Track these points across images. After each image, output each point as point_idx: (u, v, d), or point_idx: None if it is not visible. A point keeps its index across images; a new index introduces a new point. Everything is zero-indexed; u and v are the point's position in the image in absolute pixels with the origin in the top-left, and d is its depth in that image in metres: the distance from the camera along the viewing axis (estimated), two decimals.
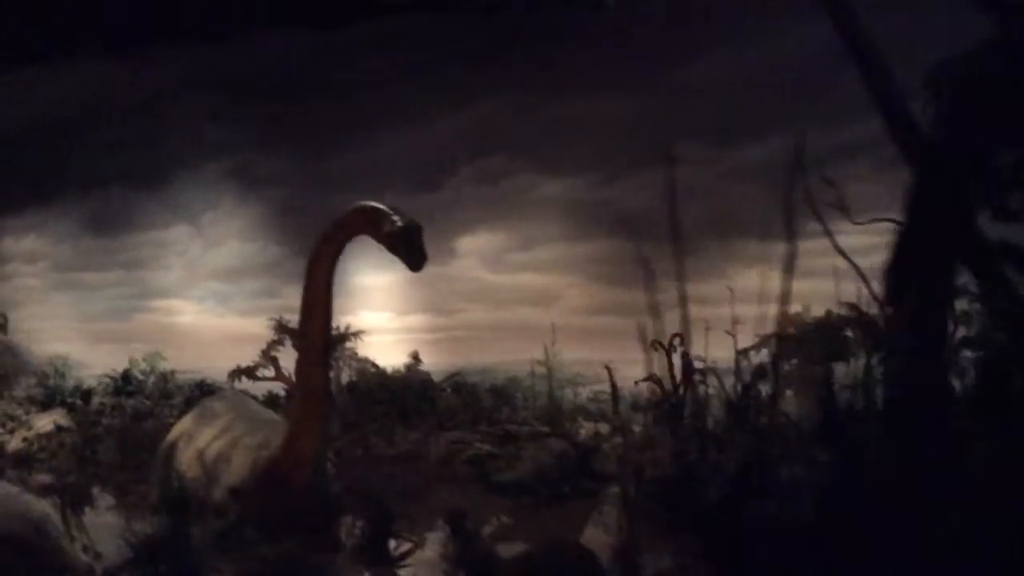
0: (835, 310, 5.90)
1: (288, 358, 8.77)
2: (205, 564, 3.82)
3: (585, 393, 8.66)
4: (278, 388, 8.87)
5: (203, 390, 10.10)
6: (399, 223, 4.32)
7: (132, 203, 12.99)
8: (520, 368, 9.21)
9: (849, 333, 5.33)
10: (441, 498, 6.18)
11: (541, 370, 8.99)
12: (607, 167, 8.82)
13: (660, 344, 6.70)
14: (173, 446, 5.69)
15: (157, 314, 12.90)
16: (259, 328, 11.97)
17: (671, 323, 8.46)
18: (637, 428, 7.02)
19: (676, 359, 6.73)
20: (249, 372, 8.25)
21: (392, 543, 4.52)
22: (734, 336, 6.33)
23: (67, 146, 13.28)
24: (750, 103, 8.17)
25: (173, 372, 11.01)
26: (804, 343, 5.27)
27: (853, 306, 5.45)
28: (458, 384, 8.26)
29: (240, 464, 5.02)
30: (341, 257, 4.78)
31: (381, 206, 4.47)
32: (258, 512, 4.85)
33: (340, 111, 10.74)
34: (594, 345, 8.60)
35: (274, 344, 8.23)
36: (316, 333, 4.73)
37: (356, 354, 8.01)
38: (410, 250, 4.29)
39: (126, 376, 10.58)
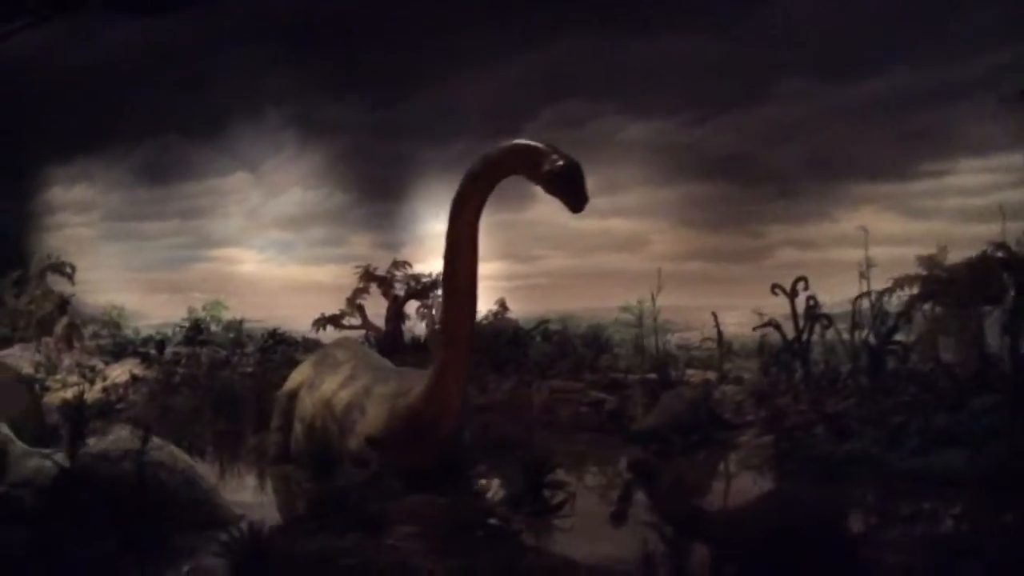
0: (972, 252, 5.64)
1: (374, 306, 8.65)
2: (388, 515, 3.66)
3: (674, 340, 8.48)
4: None
5: (276, 339, 10.00)
6: (559, 161, 4.06)
7: (188, 151, 12.77)
8: (603, 315, 9.04)
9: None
10: (549, 447, 6.02)
11: (625, 316, 8.82)
12: (696, 108, 8.51)
13: (782, 288, 6.50)
14: (293, 395, 5.55)
15: (216, 263, 12.77)
16: (323, 276, 11.89)
17: (767, 269, 8.30)
18: (747, 376, 6.85)
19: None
20: (334, 320, 8.10)
21: (547, 493, 4.37)
22: (867, 279, 6.11)
23: (118, 96, 13.07)
24: (853, 37, 7.81)
25: (242, 321, 10.90)
26: (953, 285, 5.01)
27: (1004, 246, 5.20)
28: (547, 332, 8.06)
29: (376, 413, 4.86)
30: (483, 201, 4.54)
31: (538, 143, 4.22)
32: (397, 462, 4.69)
33: (408, 56, 10.44)
34: (684, 292, 8.40)
35: (360, 292, 8.05)
36: (463, 278, 4.52)
37: None
38: (572, 190, 4.05)
39: (196, 325, 10.45)
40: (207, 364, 9.48)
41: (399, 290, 7.72)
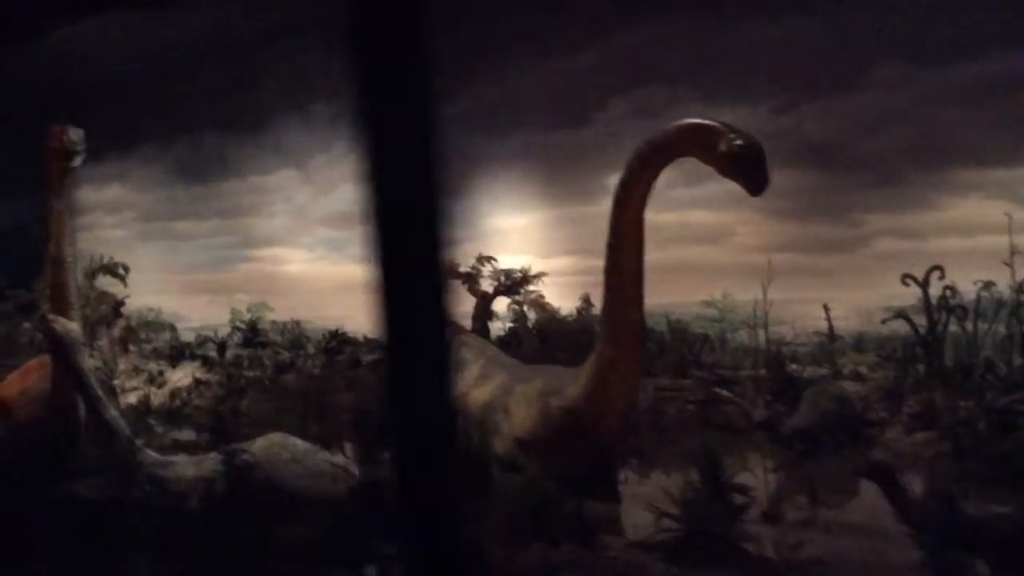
0: None
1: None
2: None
3: (763, 335, 8.20)
4: None
5: (339, 339, 9.72)
6: (738, 141, 3.79)
7: (229, 149, 12.44)
8: (685, 310, 8.77)
9: None
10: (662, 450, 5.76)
11: (709, 311, 8.56)
12: (785, 94, 8.22)
13: (913, 278, 6.24)
14: None
15: (261, 263, 12.44)
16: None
17: (864, 259, 8.04)
18: (863, 371, 6.58)
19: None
20: None
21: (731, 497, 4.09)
22: (1011, 267, 5.85)
23: (152, 93, 12.73)
24: (954, 18, 7.53)
25: (298, 323, 10.61)
26: None
27: None
28: None
29: (525, 414, 4.58)
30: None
31: (712, 122, 3.95)
32: (550, 465, 4.41)
33: (465, 45, 10.12)
34: (774, 285, 8.12)
35: None
36: (631, 266, 4.26)
37: (542, 297, 7.52)
38: (753, 171, 3.78)
39: (253, 327, 10.13)
40: (271, 366, 9.19)
41: (487, 286, 7.42)
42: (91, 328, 10.47)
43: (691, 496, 3.97)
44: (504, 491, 4.20)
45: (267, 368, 9.08)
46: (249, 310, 11.85)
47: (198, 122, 12.61)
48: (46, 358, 6.86)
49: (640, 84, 8.98)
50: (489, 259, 7.45)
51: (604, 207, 9.34)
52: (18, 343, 12.59)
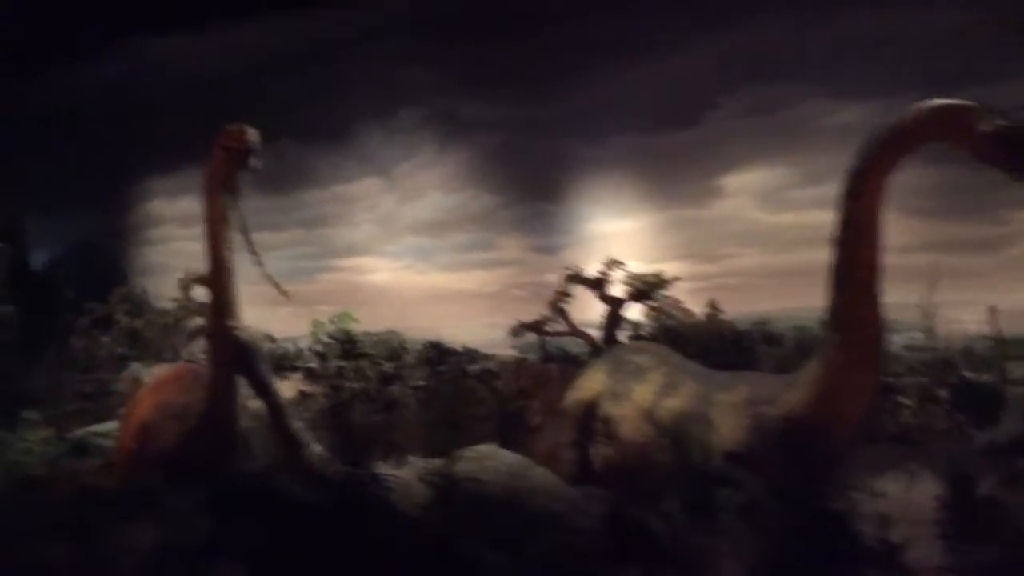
0: None
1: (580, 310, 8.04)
2: None
3: (900, 340, 7.80)
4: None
5: (439, 350, 9.45)
6: (1001, 121, 3.44)
7: (308, 158, 12.27)
8: (800, 316, 8.38)
9: None
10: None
11: None
12: (922, 88, 7.83)
13: None
14: (591, 406, 4.95)
15: (343, 273, 12.24)
16: (469, 283, 11.30)
17: (1012, 259, 7.64)
18: None
19: None
20: (536, 327, 7.50)
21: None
22: None
23: (227, 104, 12.59)
24: None
25: (394, 332, 10.35)
26: None
27: None
28: (768, 334, 7.43)
29: (733, 425, 4.25)
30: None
31: (966, 102, 3.61)
32: (765, 479, 4.06)
33: (566, 44, 9.87)
34: (908, 287, 7.72)
35: (562, 295, 7.45)
36: (867, 263, 3.92)
37: (678, 302, 7.20)
38: (1019, 154, 3.42)
39: (350, 338, 9.87)
40: (375, 378, 8.92)
41: (617, 292, 7.11)
42: (188, 339, 10.33)
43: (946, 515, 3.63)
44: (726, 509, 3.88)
45: (371, 380, 8.79)
46: (331, 321, 11.60)
47: (277, 132, 12.44)
48: (181, 368, 6.63)
49: (757, 80, 8.67)
50: (617, 263, 7.13)
51: (715, 210, 9.16)
52: (96, 357, 12.48)
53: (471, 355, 9.43)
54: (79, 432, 8.31)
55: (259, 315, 12.63)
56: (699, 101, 8.87)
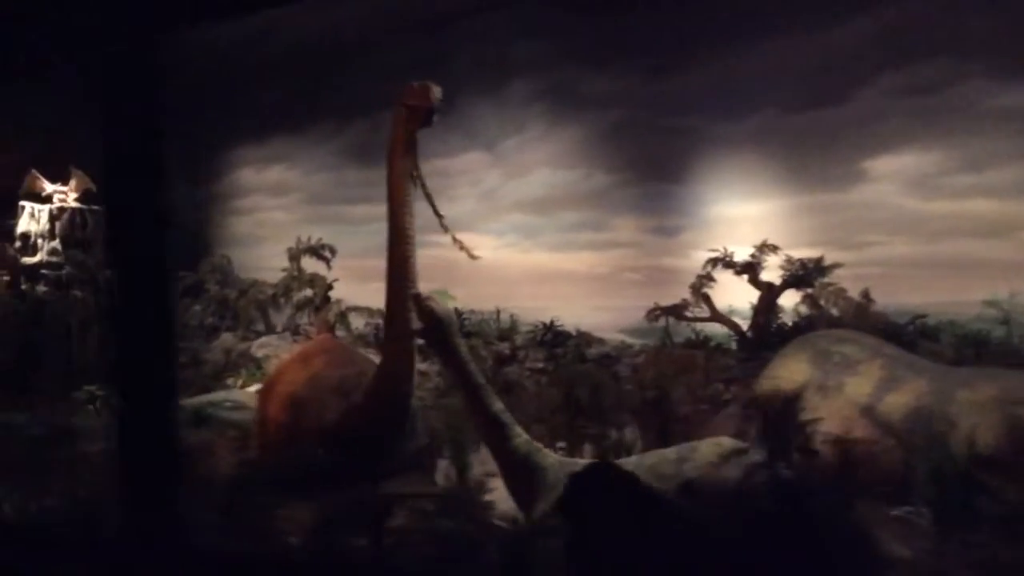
0: None
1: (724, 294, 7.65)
2: None
3: None
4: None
5: (553, 332, 9.12)
6: None
7: None
8: (952, 311, 7.86)
9: None
10: None
11: (990, 312, 7.64)
12: None
13: None
14: (793, 399, 4.53)
15: (441, 249, 11.73)
16: (577, 264, 10.91)
17: None
18: None
19: None
20: (676, 311, 7.10)
21: None
22: None
23: (324, 74, 12.32)
24: None
25: (498, 311, 10.04)
26: None
27: None
28: (925, 327, 6.94)
29: (987, 425, 3.82)
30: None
31: None
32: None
33: (694, 15, 9.38)
34: None
35: (705, 280, 7.03)
36: None
37: (843, 290, 6.74)
38: None
39: (458, 316, 9.54)
40: (490, 358, 8.60)
41: (772, 277, 6.67)
42: (296, 311, 10.11)
43: None
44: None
45: (485, 360, 8.47)
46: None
47: (377, 103, 12.13)
48: (327, 340, 6.34)
49: (914, 57, 8.11)
50: (773, 247, 6.68)
51: (857, 195, 8.61)
52: (188, 325, 12.33)
53: (586, 338, 9.08)
54: (191, 401, 8.11)
55: (351, 290, 12.45)
56: (848, 78, 8.32)
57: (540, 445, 3.85)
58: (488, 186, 11.31)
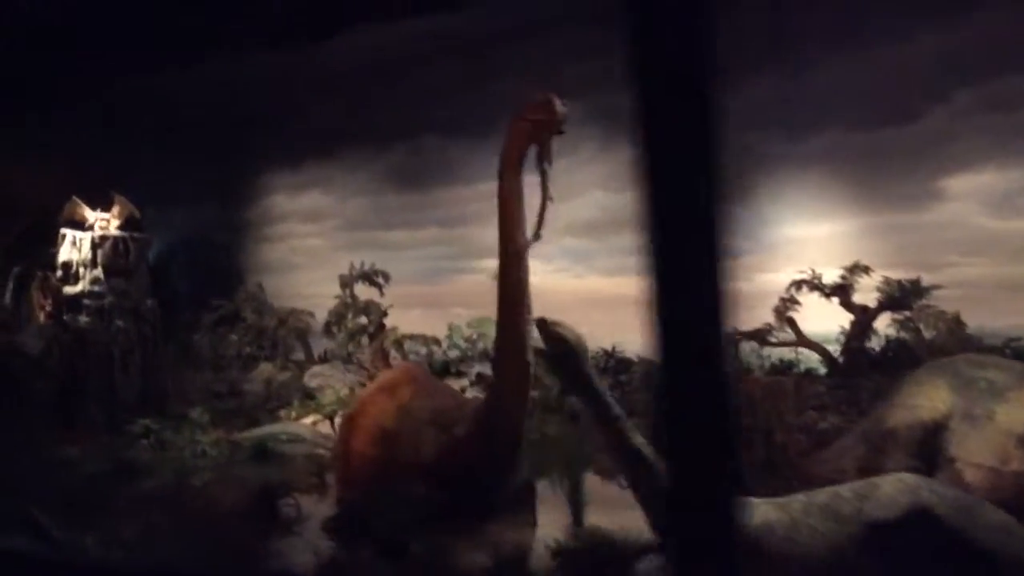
0: None
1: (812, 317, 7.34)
2: None
3: None
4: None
5: (616, 359, 8.83)
6: None
7: (452, 154, 11.72)
8: None
9: None
10: None
11: None
12: None
13: None
14: (934, 429, 4.23)
15: (485, 275, 11.56)
16: (631, 289, 10.54)
17: None
18: None
19: None
20: (758, 336, 6.79)
21: None
22: None
23: (362, 100, 12.14)
24: None
25: (535, 340, 9.72)
26: None
27: None
28: (1020, 351, 6.63)
29: None
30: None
31: None
32: None
33: (757, 31, 9.15)
34: None
35: (789, 303, 6.74)
36: None
37: (944, 313, 6.44)
38: None
39: None
40: (555, 387, 8.29)
41: (866, 300, 6.39)
42: (349, 339, 9.82)
43: None
44: None
45: (549, 388, 8.15)
46: (469, 325, 11.04)
47: (418, 127, 11.96)
48: (411, 369, 6.03)
49: (991, 75, 7.87)
50: (864, 268, 6.40)
51: (935, 214, 8.34)
52: (225, 356, 12.05)
53: (649, 365, 8.77)
54: (248, 435, 7.81)
55: (391, 316, 12.07)
56: (923, 94, 8.08)
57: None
58: (535, 210, 11.02)
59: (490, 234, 11.96)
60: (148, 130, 13.64)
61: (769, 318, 7.86)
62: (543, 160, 4.24)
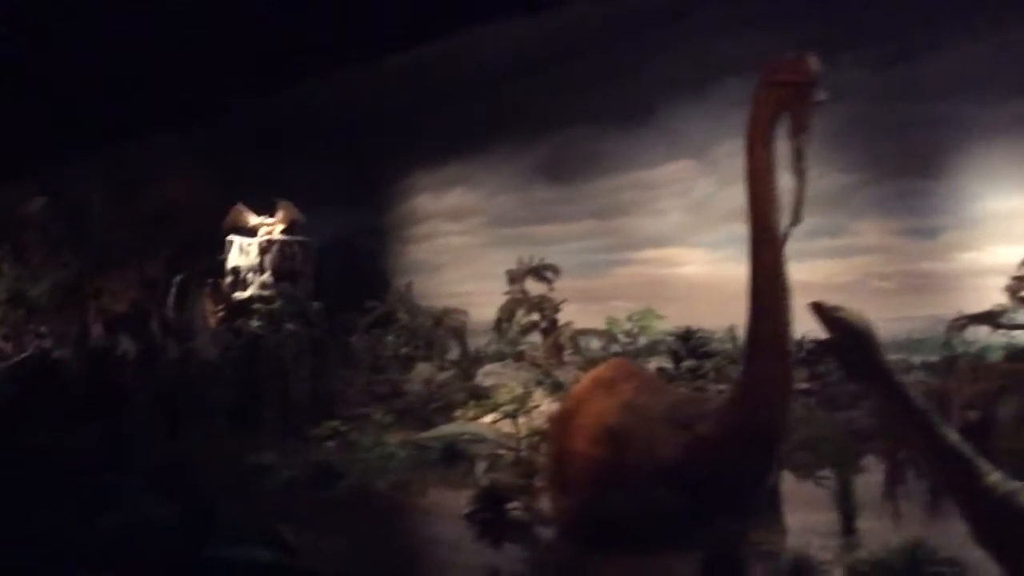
0: None
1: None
2: None
3: None
4: None
5: (805, 349, 8.25)
6: None
7: (604, 144, 11.34)
8: None
9: None
10: None
11: None
12: None
13: None
14: None
15: (644, 266, 11.21)
16: (812, 275, 9.93)
17: None
18: None
19: None
20: (988, 319, 6.14)
21: None
22: None
23: (507, 94, 11.92)
24: None
25: (733, 329, 9.24)
26: None
27: None
28: None
29: None
30: None
31: None
32: None
33: None
34: None
35: (1022, 282, 6.08)
36: None
37: None
38: None
39: (688, 336, 8.82)
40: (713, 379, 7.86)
41: None
42: (522, 335, 9.63)
43: None
44: None
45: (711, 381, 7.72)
46: (630, 318, 10.64)
47: (567, 118, 11.65)
48: (621, 364, 5.67)
49: None
50: None
51: None
52: (382, 357, 12.04)
53: None
54: (434, 434, 7.67)
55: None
56: None
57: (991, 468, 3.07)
58: (698, 196, 10.55)
59: (647, 224, 11.55)
60: (291, 137, 13.88)
61: (987, 301, 7.17)
62: (798, 131, 3.79)
